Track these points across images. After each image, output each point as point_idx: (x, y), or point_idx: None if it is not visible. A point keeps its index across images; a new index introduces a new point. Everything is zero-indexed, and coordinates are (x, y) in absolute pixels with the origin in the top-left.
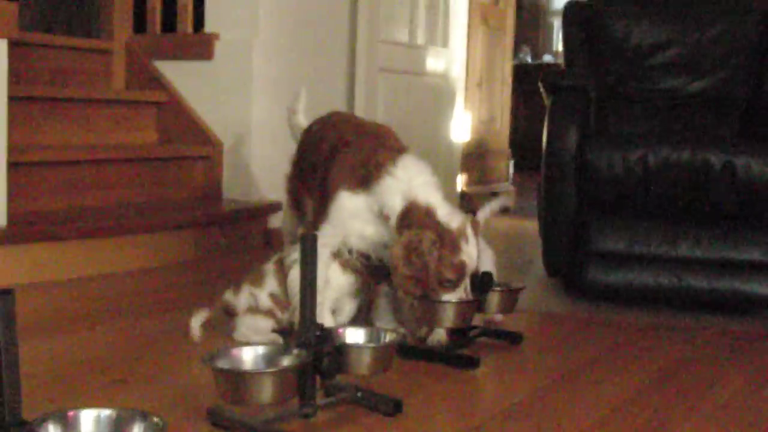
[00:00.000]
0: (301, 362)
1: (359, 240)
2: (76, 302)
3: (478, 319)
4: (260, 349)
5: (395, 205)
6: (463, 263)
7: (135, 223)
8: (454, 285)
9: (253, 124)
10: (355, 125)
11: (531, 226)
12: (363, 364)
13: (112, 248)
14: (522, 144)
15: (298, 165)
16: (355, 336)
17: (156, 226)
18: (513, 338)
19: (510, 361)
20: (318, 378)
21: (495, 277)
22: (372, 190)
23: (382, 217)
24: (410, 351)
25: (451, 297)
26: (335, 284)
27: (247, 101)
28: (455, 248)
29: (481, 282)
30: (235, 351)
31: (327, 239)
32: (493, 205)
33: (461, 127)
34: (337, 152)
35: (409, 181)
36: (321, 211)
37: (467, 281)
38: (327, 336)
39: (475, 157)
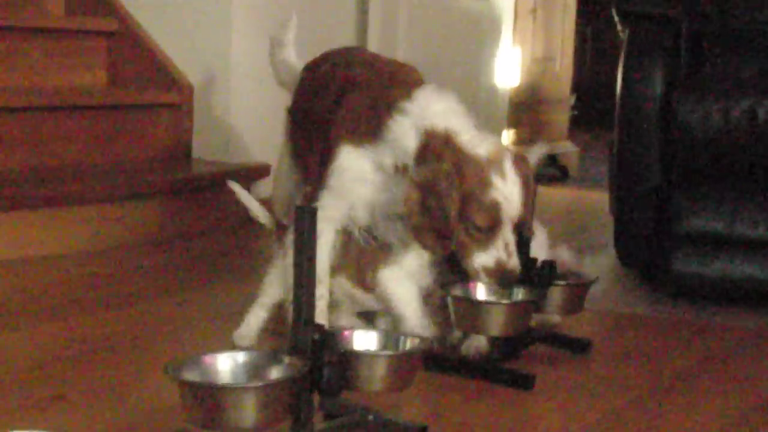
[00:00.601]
0: (295, 374)
1: (367, 211)
2: (2, 294)
3: (533, 321)
4: (241, 357)
5: (409, 145)
6: (496, 203)
7: (75, 191)
8: (486, 235)
9: (233, 63)
10: (367, 62)
11: (599, 199)
12: (376, 377)
13: (47, 224)
14: (588, 91)
15: (296, 114)
16: (365, 340)
17: (104, 195)
18: (578, 347)
19: (573, 377)
20: (316, 395)
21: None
22: (382, 141)
23: (399, 173)
24: (439, 362)
25: (486, 255)
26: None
27: (226, 32)
28: (483, 182)
29: (540, 274)
30: (208, 358)
31: (328, 212)
32: (534, 153)
33: (508, 68)
34: (341, 97)
35: (425, 114)
36: (321, 175)
37: (508, 231)
38: (328, 340)
39: (527, 108)
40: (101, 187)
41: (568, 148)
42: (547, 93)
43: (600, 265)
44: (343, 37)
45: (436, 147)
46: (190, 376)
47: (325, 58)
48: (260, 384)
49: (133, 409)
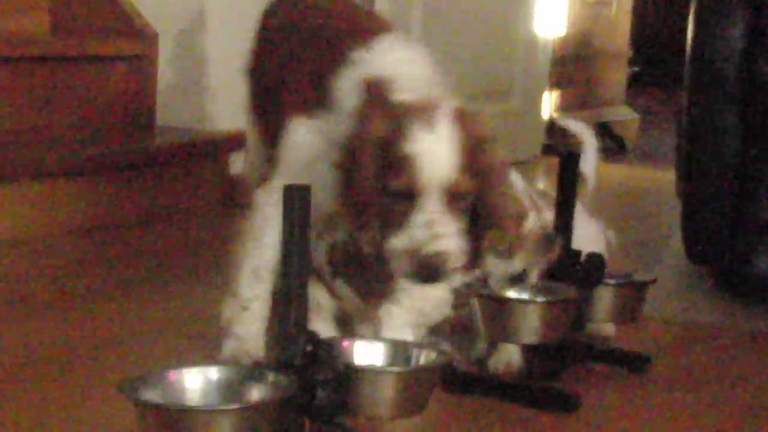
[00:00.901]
0: (281, 395)
1: (325, 196)
2: None
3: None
4: (214, 373)
5: (350, 104)
6: (413, 158)
7: (8, 165)
8: (404, 205)
9: (209, 5)
10: (324, 8)
11: (663, 178)
12: (382, 399)
13: None
14: (651, 44)
15: (254, 75)
16: (369, 353)
17: (45, 170)
18: (635, 363)
19: (628, 401)
20: (308, 421)
21: (606, 264)
22: (331, 103)
23: None
24: (461, 381)
25: (400, 234)
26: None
27: None
28: (399, 132)
29: (585, 270)
30: (172, 374)
31: (276, 196)
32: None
33: (551, 14)
34: (292, 53)
35: (373, 62)
36: (270, 158)
37: (433, 201)
38: (323, 353)
39: (574, 64)
40: (42, 160)
41: (625, 115)
42: (600, 45)
43: (663, 261)
44: None
45: (366, 100)
46: (151, 395)
47: (279, 3)
48: (237, 407)
49: None
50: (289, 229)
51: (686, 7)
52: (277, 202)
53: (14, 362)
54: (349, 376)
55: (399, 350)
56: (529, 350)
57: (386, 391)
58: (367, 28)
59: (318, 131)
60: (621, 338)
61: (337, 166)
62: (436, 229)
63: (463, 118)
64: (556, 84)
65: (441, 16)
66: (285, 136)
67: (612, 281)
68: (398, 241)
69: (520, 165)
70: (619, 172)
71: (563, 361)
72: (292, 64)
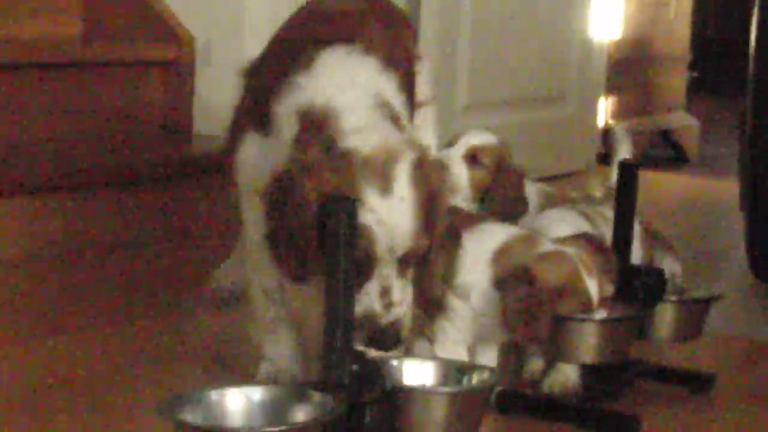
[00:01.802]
0: (327, 416)
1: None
2: None
3: (637, 350)
4: (257, 393)
5: (288, 133)
6: (364, 229)
7: (38, 176)
8: (357, 273)
9: (249, 9)
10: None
11: (725, 189)
12: (432, 420)
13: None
14: (712, 47)
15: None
16: (419, 373)
17: (76, 181)
18: (697, 382)
19: (691, 422)
20: None
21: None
22: (273, 130)
23: None
24: (515, 401)
25: (365, 291)
26: None
27: None
28: (355, 196)
29: (646, 287)
30: (214, 395)
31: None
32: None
33: (607, 16)
34: (261, 64)
35: (313, 87)
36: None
37: (388, 269)
38: (371, 373)
39: (631, 69)
40: (73, 171)
41: (684, 122)
42: (658, 49)
43: (726, 277)
44: None
45: (303, 135)
46: (192, 417)
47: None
48: (282, 428)
49: None
50: (332, 248)
51: (749, 7)
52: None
53: (44, 382)
54: (398, 396)
55: (450, 370)
56: (586, 370)
57: (436, 413)
58: (322, 37)
59: (262, 151)
60: (683, 357)
61: (269, 209)
62: (390, 297)
63: (421, 171)
64: (612, 90)
65: (492, 21)
66: (240, 151)
67: (673, 297)
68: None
69: (574, 175)
70: (678, 182)
71: (622, 381)
72: (259, 72)
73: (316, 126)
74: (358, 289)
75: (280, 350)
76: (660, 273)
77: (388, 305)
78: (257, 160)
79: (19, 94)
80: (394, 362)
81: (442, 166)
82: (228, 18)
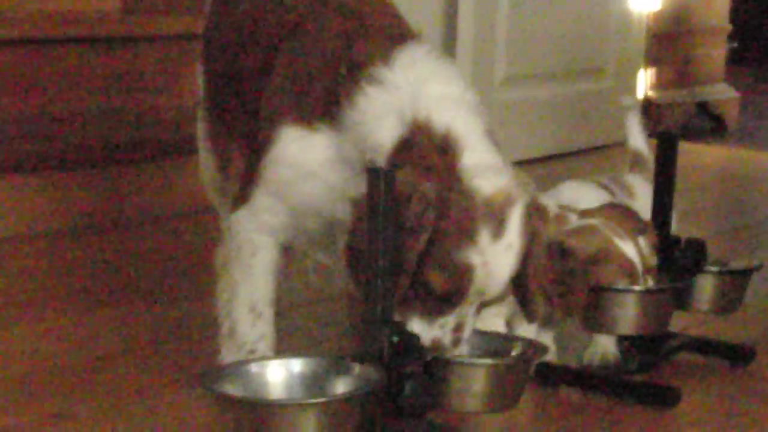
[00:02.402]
0: (368, 388)
1: (319, 222)
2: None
3: (677, 321)
4: (297, 365)
5: (384, 135)
6: (467, 269)
7: (82, 150)
8: (438, 303)
9: None
10: None
11: (765, 160)
12: (473, 393)
13: (47, 192)
14: (752, 18)
15: (214, 66)
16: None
17: (118, 156)
18: (737, 355)
19: (730, 394)
20: (396, 416)
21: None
22: (342, 120)
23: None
24: (556, 373)
25: (425, 325)
26: None
27: None
28: (464, 233)
29: (685, 258)
30: (254, 367)
31: (263, 218)
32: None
33: None
34: (278, 48)
35: (415, 91)
36: (252, 166)
37: (469, 310)
38: (411, 344)
39: (671, 41)
40: (114, 145)
41: (724, 93)
42: (698, 20)
43: (766, 248)
44: None
45: (425, 150)
46: (232, 389)
47: None
48: (323, 400)
49: (159, 428)
50: (374, 216)
51: None
52: (261, 226)
53: (91, 355)
54: (439, 369)
55: (490, 342)
56: (628, 343)
57: (478, 385)
58: (377, 28)
59: (315, 146)
60: (722, 328)
61: (355, 219)
62: (462, 334)
63: (530, 219)
64: (651, 61)
65: None
66: (271, 147)
67: (713, 268)
68: (421, 330)
69: (613, 147)
70: (718, 154)
71: (662, 353)
72: (275, 63)
73: (434, 145)
74: (435, 318)
75: (257, 332)
76: (700, 244)
77: (457, 341)
78: (302, 153)
79: (61, 69)
80: None
81: (545, 212)
82: None
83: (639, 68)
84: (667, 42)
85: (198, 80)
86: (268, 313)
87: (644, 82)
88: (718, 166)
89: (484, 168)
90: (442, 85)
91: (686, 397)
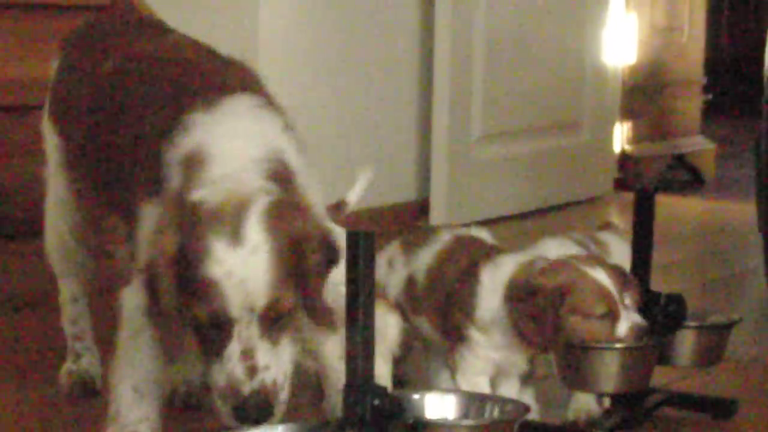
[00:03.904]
0: None
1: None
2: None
3: (659, 376)
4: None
5: (175, 180)
6: (212, 284)
7: None
8: (215, 334)
9: (262, 43)
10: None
11: (743, 212)
12: None
13: None
14: (725, 70)
15: (75, 131)
16: (441, 406)
17: None
18: (720, 409)
19: None
20: None
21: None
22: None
23: None
24: None
25: (216, 367)
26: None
27: (253, 8)
28: (198, 250)
29: (665, 313)
30: None
31: (140, 298)
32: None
33: (621, 42)
34: (127, 113)
35: (207, 127)
36: (131, 242)
37: (249, 329)
38: (393, 407)
39: (646, 94)
40: None
41: (700, 145)
42: (672, 73)
43: (745, 301)
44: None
45: (168, 197)
46: None
47: (103, 33)
48: None
49: None
50: (353, 281)
51: (762, 29)
52: (141, 305)
53: None
54: (421, 430)
55: (472, 403)
56: (606, 397)
57: None
58: (219, 84)
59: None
60: (704, 383)
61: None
62: (254, 360)
63: (278, 217)
64: (627, 115)
65: (505, 48)
66: (139, 225)
67: (693, 323)
68: (215, 375)
69: (591, 202)
70: (695, 206)
71: (644, 408)
72: (131, 125)
73: (191, 166)
74: (219, 353)
75: (140, 413)
76: (680, 299)
77: (252, 370)
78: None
79: None
80: (416, 396)
81: (306, 209)
82: (242, 37)
83: (615, 122)
84: (643, 95)
85: (45, 138)
86: (151, 393)
87: (620, 135)
88: (695, 218)
89: (216, 181)
90: (236, 121)
91: None
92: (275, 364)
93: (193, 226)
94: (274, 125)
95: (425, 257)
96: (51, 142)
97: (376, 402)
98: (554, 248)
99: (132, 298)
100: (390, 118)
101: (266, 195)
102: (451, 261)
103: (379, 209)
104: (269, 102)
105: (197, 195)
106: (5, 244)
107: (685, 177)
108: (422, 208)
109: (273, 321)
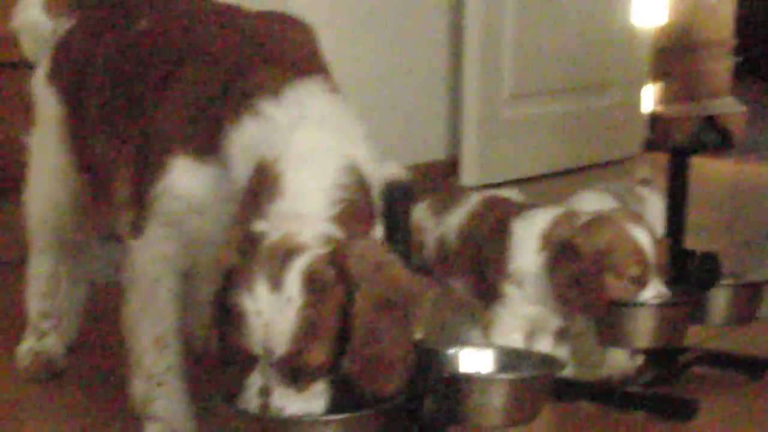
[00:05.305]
0: (387, 405)
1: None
2: None
3: (693, 335)
4: None
5: (239, 176)
6: (242, 315)
7: None
8: (239, 351)
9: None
10: (219, 13)
11: None
12: (492, 408)
13: None
14: (757, 32)
15: (75, 91)
16: (477, 360)
17: None
18: (753, 367)
19: (748, 407)
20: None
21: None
22: (223, 153)
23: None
24: (574, 388)
25: (246, 383)
26: None
27: None
28: (243, 279)
29: (699, 271)
30: None
31: (159, 248)
32: None
33: (650, 4)
34: (170, 75)
35: (281, 131)
36: (140, 198)
37: (262, 369)
38: (429, 361)
39: (675, 55)
40: None
41: (730, 107)
42: (703, 35)
43: None
44: None
45: (247, 198)
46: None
47: None
48: (342, 417)
49: None
50: (390, 232)
51: None
52: (157, 256)
53: None
54: (457, 384)
55: (507, 358)
56: (640, 353)
57: (497, 400)
58: (278, 56)
59: (200, 176)
60: (738, 341)
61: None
62: (269, 400)
63: (321, 274)
64: (657, 76)
65: (536, 8)
66: (162, 176)
67: (727, 281)
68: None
69: (621, 163)
70: (726, 167)
71: (678, 366)
72: (182, 81)
73: (264, 186)
74: (244, 377)
75: (172, 407)
76: (714, 257)
77: (265, 407)
78: (189, 185)
79: None
80: (451, 351)
81: (364, 259)
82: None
83: (645, 83)
84: (673, 56)
85: (40, 103)
86: (174, 343)
87: (650, 96)
88: (726, 180)
89: (278, 214)
90: (312, 130)
91: (704, 409)
92: (293, 409)
93: (247, 255)
94: (347, 128)
95: (455, 217)
96: (49, 108)
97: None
98: (591, 202)
99: (147, 249)
100: (420, 77)
101: (321, 246)
102: (482, 219)
103: (410, 168)
104: (332, 82)
105: (260, 226)
106: None
107: (715, 138)
108: (452, 167)
109: (295, 370)
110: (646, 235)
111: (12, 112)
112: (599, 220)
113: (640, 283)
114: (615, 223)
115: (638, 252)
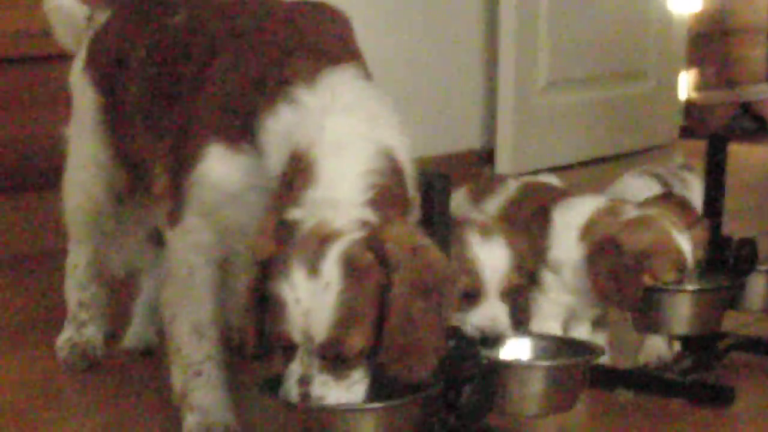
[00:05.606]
0: (426, 392)
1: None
2: None
3: (729, 321)
4: None
5: (274, 162)
6: (281, 304)
7: None
8: (279, 339)
9: None
10: (247, 2)
11: None
12: (530, 396)
13: None
14: None
15: (116, 79)
16: (515, 348)
17: None
18: None
19: None
20: (454, 419)
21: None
22: (258, 140)
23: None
24: (612, 375)
25: (287, 372)
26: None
27: None
28: (281, 267)
29: (737, 257)
30: None
31: (196, 236)
32: None
33: None
34: (209, 62)
35: (315, 118)
36: (176, 187)
37: (306, 350)
38: (468, 348)
39: (712, 41)
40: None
41: (766, 93)
42: (739, 21)
43: None
44: None
45: (282, 185)
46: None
47: None
48: (382, 405)
49: None
50: (428, 221)
51: None
52: (194, 245)
53: None
54: (496, 372)
55: (547, 344)
56: (678, 339)
57: (535, 387)
58: (314, 46)
59: (235, 163)
60: None
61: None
62: (309, 389)
63: (359, 259)
64: (693, 63)
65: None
66: (198, 164)
67: (765, 267)
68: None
69: (657, 150)
70: (762, 154)
71: (714, 352)
72: (221, 69)
73: (298, 174)
74: (286, 365)
75: (210, 397)
76: (752, 243)
77: (305, 397)
78: (225, 173)
79: None
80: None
81: (399, 243)
82: None
83: (680, 69)
84: (708, 43)
85: (77, 94)
86: (211, 333)
87: (686, 83)
88: (762, 166)
89: (313, 201)
90: (345, 117)
91: (740, 396)
92: (333, 397)
93: (284, 243)
94: (380, 115)
95: (495, 204)
96: (86, 98)
97: (451, 342)
98: (635, 188)
99: (184, 238)
100: (456, 66)
101: (358, 231)
102: (522, 206)
103: (445, 157)
104: (366, 70)
105: (295, 214)
106: None
107: (750, 125)
108: (488, 156)
109: (336, 357)
110: (687, 241)
111: (45, 105)
112: (644, 220)
113: (675, 284)
114: (659, 226)
115: (679, 260)
